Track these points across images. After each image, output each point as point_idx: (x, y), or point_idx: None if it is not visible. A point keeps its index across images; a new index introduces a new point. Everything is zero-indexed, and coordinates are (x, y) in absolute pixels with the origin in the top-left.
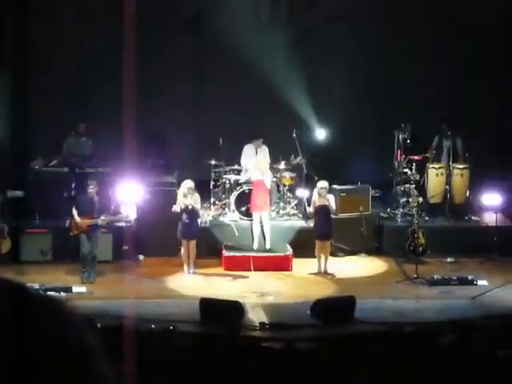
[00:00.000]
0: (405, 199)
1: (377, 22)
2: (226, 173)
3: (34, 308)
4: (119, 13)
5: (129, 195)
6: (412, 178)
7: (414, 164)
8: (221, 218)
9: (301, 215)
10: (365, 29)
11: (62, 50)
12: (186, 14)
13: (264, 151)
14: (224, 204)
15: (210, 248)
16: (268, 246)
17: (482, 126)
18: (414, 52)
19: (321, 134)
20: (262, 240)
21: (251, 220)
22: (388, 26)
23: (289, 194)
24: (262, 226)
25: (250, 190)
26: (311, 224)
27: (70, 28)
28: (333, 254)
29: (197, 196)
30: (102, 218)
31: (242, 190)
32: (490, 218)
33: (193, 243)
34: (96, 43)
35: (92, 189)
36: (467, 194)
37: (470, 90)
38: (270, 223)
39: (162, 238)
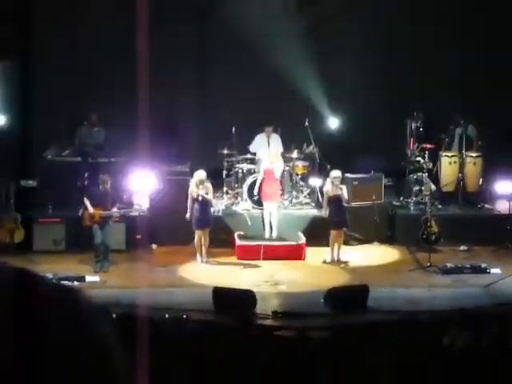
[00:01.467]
0: (417, 188)
1: (390, 11)
2: (238, 162)
3: (50, 296)
4: (132, 2)
5: (142, 185)
6: (425, 166)
7: (426, 152)
8: (233, 207)
9: (313, 204)
10: (378, 17)
11: (75, 39)
12: (198, 4)
13: (276, 140)
14: (237, 193)
15: (223, 237)
16: (274, 235)
17: (495, 114)
18: (426, 40)
19: (333, 122)
20: (270, 229)
21: (263, 209)
22: (401, 14)
23: (301, 183)
24: (270, 215)
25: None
26: (324, 212)
27: (83, 16)
28: (346, 243)
29: (209, 185)
30: (115, 208)
31: (254, 179)
32: (503, 206)
33: (206, 232)
34: (109, 31)
35: (106, 183)
36: (480, 183)
37: (484, 78)
38: (283, 212)
39: (174, 227)
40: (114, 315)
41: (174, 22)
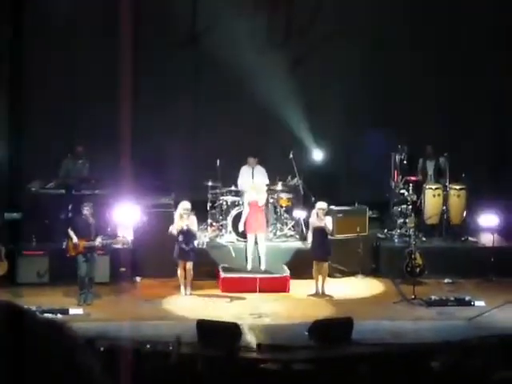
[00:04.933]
0: (402, 220)
1: (374, 44)
2: (222, 194)
3: (36, 331)
4: (116, 34)
5: (126, 217)
6: (409, 198)
7: (410, 185)
8: (218, 240)
9: (298, 236)
10: (361, 51)
11: (59, 74)
12: (183, 36)
13: (261, 171)
14: (221, 225)
15: (207, 269)
16: (263, 267)
17: (478, 146)
18: (411, 74)
19: (318, 155)
20: (257, 261)
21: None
22: (386, 48)
23: (286, 215)
24: (257, 248)
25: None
26: (308, 245)
27: (67, 52)
28: (330, 275)
29: (193, 217)
30: (99, 239)
31: (239, 211)
32: (487, 239)
33: (189, 265)
34: (94, 67)
35: (87, 210)
36: (464, 215)
37: (465, 112)
38: (267, 244)
39: (158, 259)
40: (101, 348)
41: (158, 57)
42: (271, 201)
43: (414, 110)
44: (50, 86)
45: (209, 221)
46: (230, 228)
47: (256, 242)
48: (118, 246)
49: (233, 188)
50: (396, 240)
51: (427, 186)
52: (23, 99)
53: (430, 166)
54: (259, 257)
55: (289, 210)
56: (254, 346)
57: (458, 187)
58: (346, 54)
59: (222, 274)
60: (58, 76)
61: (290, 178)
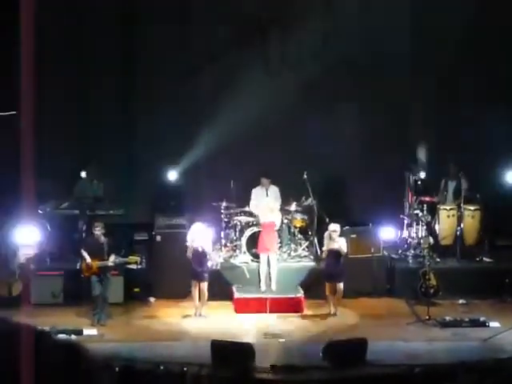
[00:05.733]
0: (416, 241)
1: (381, 70)
2: (237, 214)
3: (55, 352)
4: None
5: (140, 237)
6: (423, 219)
7: (424, 205)
8: (232, 260)
9: (312, 257)
10: (369, 77)
11: (72, 91)
12: (197, 59)
13: (274, 192)
14: (235, 246)
15: (222, 290)
16: (274, 288)
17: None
18: (418, 95)
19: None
20: (269, 281)
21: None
22: (393, 74)
23: (300, 236)
24: (269, 268)
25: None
26: (322, 266)
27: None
28: (344, 296)
29: (208, 238)
30: (112, 258)
31: (253, 231)
32: (502, 259)
33: (204, 285)
34: (106, 88)
35: (98, 230)
36: (479, 236)
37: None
38: (282, 265)
39: (172, 279)
40: (117, 369)
41: (172, 76)
42: (285, 221)
43: (421, 132)
44: (65, 105)
45: (223, 241)
46: (244, 248)
47: (268, 262)
48: (132, 266)
49: (247, 208)
50: (410, 261)
51: (442, 207)
52: (37, 118)
53: (451, 186)
54: (270, 277)
55: (303, 231)
56: (268, 367)
57: (472, 208)
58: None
59: (236, 295)
60: (71, 95)
61: (304, 198)
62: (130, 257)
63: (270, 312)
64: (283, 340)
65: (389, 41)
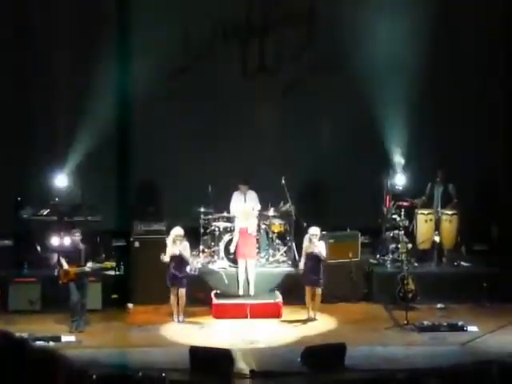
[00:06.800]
0: (394, 245)
1: (364, 71)
2: (215, 220)
3: (32, 360)
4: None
5: (117, 242)
6: (401, 223)
7: (402, 210)
8: (210, 266)
9: (290, 262)
10: (352, 77)
11: (55, 101)
12: (174, 64)
13: (253, 197)
14: (213, 251)
15: (200, 296)
16: (252, 293)
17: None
18: (401, 100)
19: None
20: (247, 287)
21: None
22: (376, 75)
23: (278, 241)
24: (247, 273)
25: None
26: (300, 271)
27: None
28: (323, 301)
29: (186, 243)
30: (89, 264)
31: (231, 237)
32: (479, 264)
33: (182, 291)
34: (86, 96)
35: (77, 236)
36: (456, 240)
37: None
38: (260, 270)
39: (151, 286)
40: (94, 376)
41: (151, 83)
42: (263, 227)
43: (402, 136)
44: (51, 113)
45: (201, 247)
46: (222, 254)
47: (246, 268)
48: (110, 272)
49: (225, 214)
50: (388, 265)
51: (419, 211)
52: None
53: (438, 192)
54: (248, 282)
55: (281, 236)
56: (247, 373)
57: (450, 212)
58: (336, 81)
59: (215, 301)
60: (58, 105)
61: (282, 203)
62: (107, 262)
63: (249, 317)
64: (262, 345)
65: (366, 44)
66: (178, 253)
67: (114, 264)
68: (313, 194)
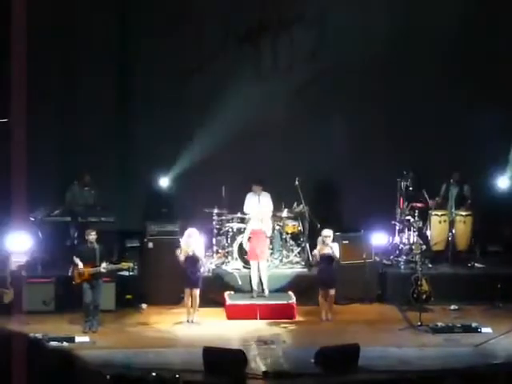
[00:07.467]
0: (408, 246)
1: (376, 73)
2: (228, 221)
3: (47, 359)
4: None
5: (131, 243)
6: (415, 225)
7: (416, 211)
8: (224, 267)
9: (304, 263)
10: (364, 79)
11: (67, 100)
12: (187, 64)
13: (266, 198)
14: (227, 252)
15: (213, 296)
16: (266, 294)
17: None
18: (414, 102)
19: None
20: (261, 288)
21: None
22: (388, 77)
23: (292, 242)
24: (259, 275)
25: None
26: (314, 272)
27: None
28: (336, 302)
29: (200, 244)
30: (104, 265)
31: (242, 238)
32: (493, 265)
33: (195, 292)
34: (99, 95)
35: (92, 237)
36: (470, 241)
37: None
38: (273, 271)
39: (164, 286)
40: (108, 377)
41: (161, 84)
42: (277, 228)
43: (416, 138)
44: (58, 114)
45: (215, 248)
46: (235, 255)
47: (259, 269)
48: (124, 273)
49: (238, 215)
50: (402, 266)
51: (433, 213)
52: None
53: (453, 193)
54: (262, 283)
55: (294, 237)
56: (261, 373)
57: (463, 213)
58: (347, 83)
59: (228, 301)
60: (67, 104)
61: (295, 204)
62: (123, 263)
63: (262, 318)
64: (275, 346)
65: (376, 45)
66: (191, 253)
67: (131, 264)
68: (327, 196)
